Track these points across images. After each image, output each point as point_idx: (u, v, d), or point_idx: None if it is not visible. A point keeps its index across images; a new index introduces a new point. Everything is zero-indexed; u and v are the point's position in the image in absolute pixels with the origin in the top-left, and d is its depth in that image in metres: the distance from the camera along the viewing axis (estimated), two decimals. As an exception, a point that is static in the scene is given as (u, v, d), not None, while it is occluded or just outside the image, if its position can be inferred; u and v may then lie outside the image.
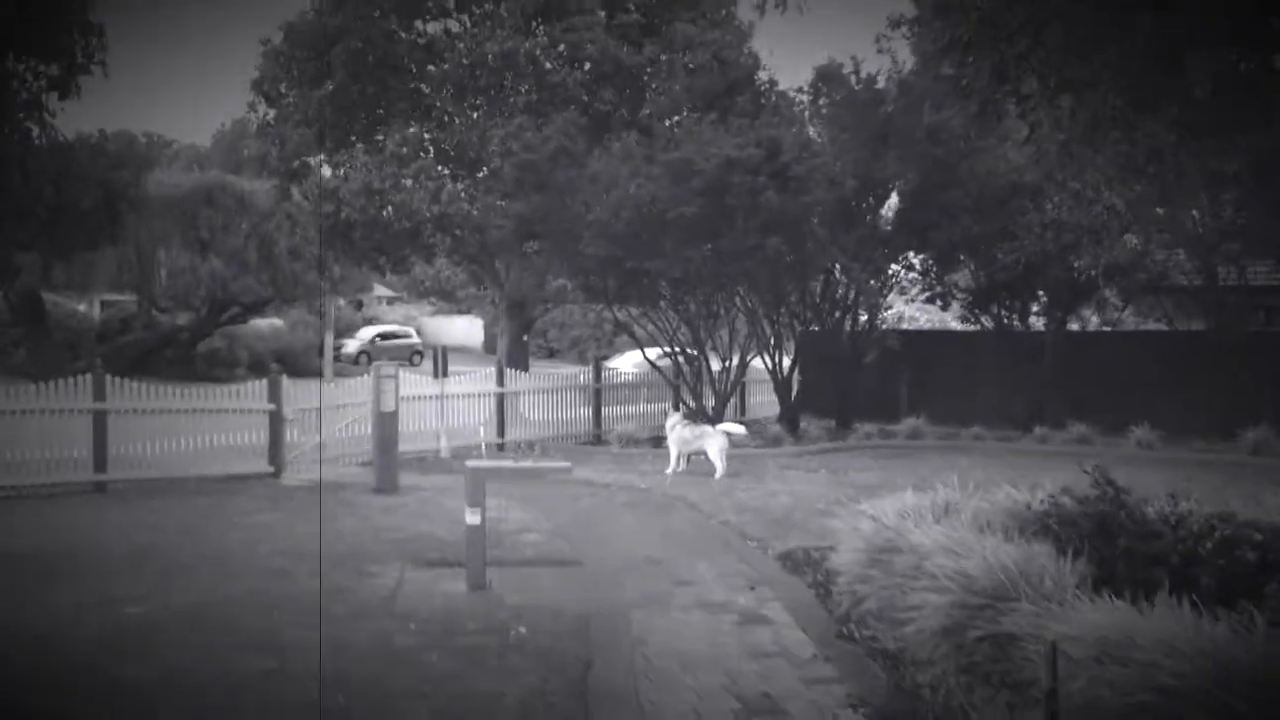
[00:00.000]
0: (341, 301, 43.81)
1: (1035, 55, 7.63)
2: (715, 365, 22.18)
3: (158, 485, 15.05)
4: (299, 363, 37.81)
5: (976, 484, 9.98)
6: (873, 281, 22.02)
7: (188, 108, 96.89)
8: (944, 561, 6.98)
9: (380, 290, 55.93)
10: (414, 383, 19.56)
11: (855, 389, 22.76)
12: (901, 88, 18.88)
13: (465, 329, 54.90)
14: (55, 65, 15.65)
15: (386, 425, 15.47)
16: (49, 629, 8.02)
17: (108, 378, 15.13)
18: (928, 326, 29.73)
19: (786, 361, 22.89)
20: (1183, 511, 7.53)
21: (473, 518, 9.39)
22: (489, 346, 52.12)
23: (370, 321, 53.27)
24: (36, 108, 16.02)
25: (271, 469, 16.59)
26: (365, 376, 19.96)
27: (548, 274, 21.71)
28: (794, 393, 22.66)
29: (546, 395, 21.84)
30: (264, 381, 17.26)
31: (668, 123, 21.16)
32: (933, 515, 8.54)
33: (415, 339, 50.93)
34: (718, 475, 16.33)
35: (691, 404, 21.58)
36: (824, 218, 20.16)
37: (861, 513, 9.14)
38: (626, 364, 30.15)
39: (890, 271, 22.82)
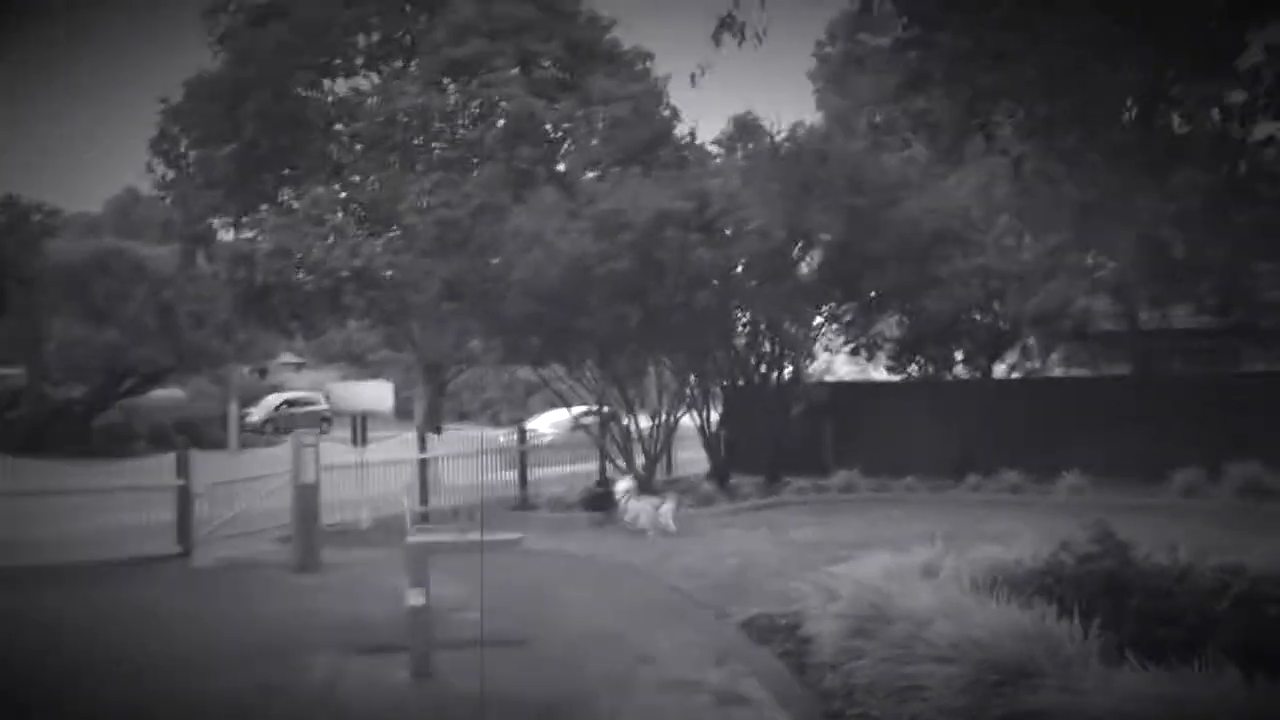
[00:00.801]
0: (245, 369, 42.25)
1: (1008, 91, 7.31)
2: (644, 423, 21.60)
3: (56, 573, 13.84)
4: (202, 434, 36.22)
5: (944, 539, 9.55)
6: (798, 333, 21.81)
7: (75, 174, 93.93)
8: (945, 629, 6.47)
9: (285, 356, 54.35)
10: (332, 451, 18.59)
11: (783, 443, 22.35)
12: (838, 129, 18.70)
13: (374, 394, 53.57)
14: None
15: (307, 498, 14.54)
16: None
17: (-3, 457, 13.98)
18: (849, 378, 29.59)
19: (714, 417, 22.48)
20: (1184, 564, 7.15)
21: (416, 598, 8.62)
22: (400, 410, 50.87)
23: (276, 389, 51.63)
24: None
25: (180, 549, 15.49)
26: (278, 447, 18.98)
27: (466, 334, 20.94)
28: (722, 449, 22.21)
29: (470, 460, 21.00)
30: (170, 455, 16.20)
31: (588, 176, 20.71)
32: (916, 576, 8.07)
33: (323, 405, 49.45)
34: (649, 534, 16.10)
35: (621, 464, 20.94)
36: (751, 270, 19.88)
37: (833, 574, 8.62)
38: (544, 425, 29.46)
39: (816, 323, 22.64)
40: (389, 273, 20.87)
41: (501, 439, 22.85)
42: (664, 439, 21.15)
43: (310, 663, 9.03)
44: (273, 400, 48.71)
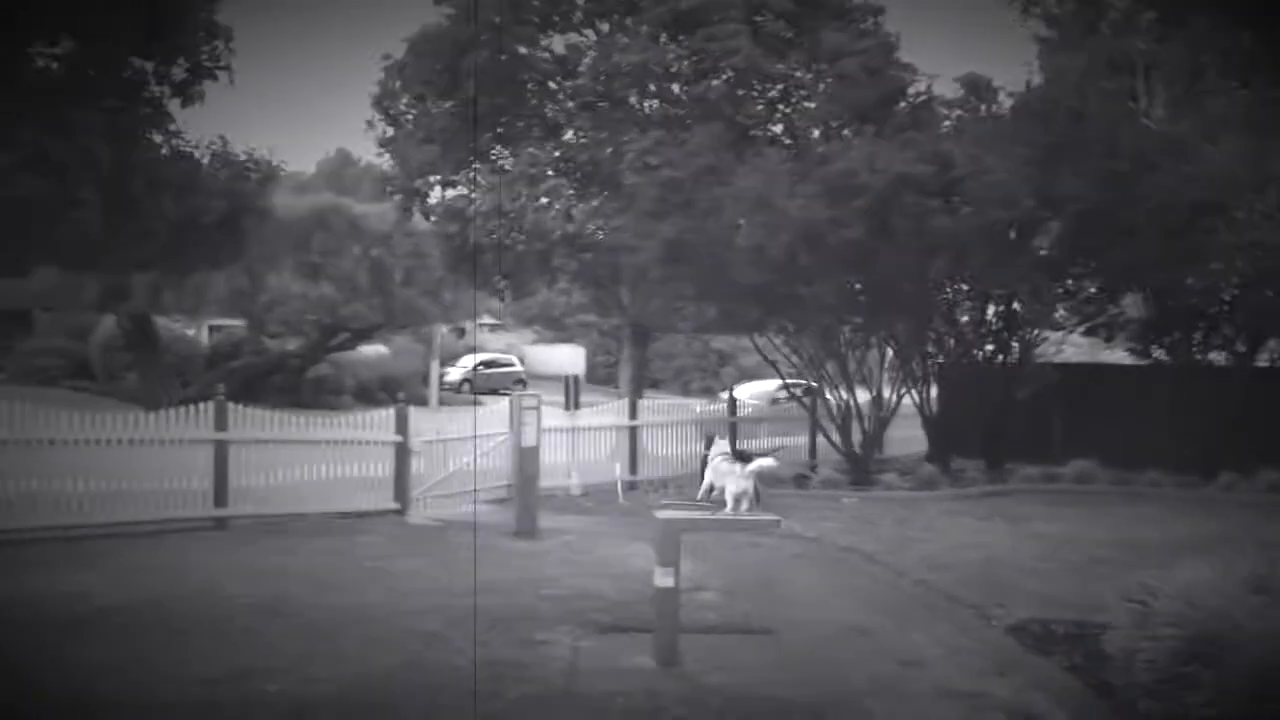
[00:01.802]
0: (445, 328, 42.86)
1: None
2: (861, 399, 20.52)
3: (279, 522, 13.86)
4: (405, 390, 36.94)
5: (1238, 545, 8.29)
6: (1031, 309, 20.34)
7: (291, 135, 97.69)
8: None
9: (483, 317, 55.18)
10: (543, 414, 18.24)
11: (1008, 428, 20.87)
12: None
13: (568, 357, 53.77)
14: (179, 69, 14.70)
15: (528, 461, 14.16)
16: (179, 711, 6.76)
17: (229, 405, 14.05)
18: (1076, 360, 27.67)
19: (934, 395, 21.21)
20: None
21: (664, 579, 7.93)
22: (592, 376, 50.90)
23: (473, 349, 52.44)
24: (160, 115, 15.07)
25: (397, 505, 15.40)
26: (484, 407, 18.70)
27: (680, 300, 20.24)
28: (944, 430, 20.94)
29: (679, 429, 20.38)
30: (390, 411, 16.08)
31: (815, 135, 19.68)
32: (1247, 593, 6.90)
33: (518, 367, 49.95)
34: (726, 510, 14.47)
35: (836, 439, 19.97)
36: (989, 240, 18.48)
37: (1145, 584, 7.51)
38: (743, 395, 28.67)
39: (1050, 300, 21.04)
40: (601, 235, 20.41)
41: (698, 409, 22.18)
42: (889, 415, 20.01)
43: (548, 638, 8.48)
44: (469, 360, 49.43)
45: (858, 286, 18.28)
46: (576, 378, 19.36)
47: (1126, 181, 17.39)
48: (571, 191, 21.28)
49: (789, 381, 22.05)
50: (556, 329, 52.06)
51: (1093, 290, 20.65)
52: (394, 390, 36.05)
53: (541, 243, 19.79)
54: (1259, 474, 18.15)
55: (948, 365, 21.58)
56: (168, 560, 11.39)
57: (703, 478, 17.06)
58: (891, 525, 14.81)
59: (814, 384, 20.93)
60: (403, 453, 15.56)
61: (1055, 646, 8.42)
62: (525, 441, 14.21)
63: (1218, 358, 20.70)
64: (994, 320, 21.05)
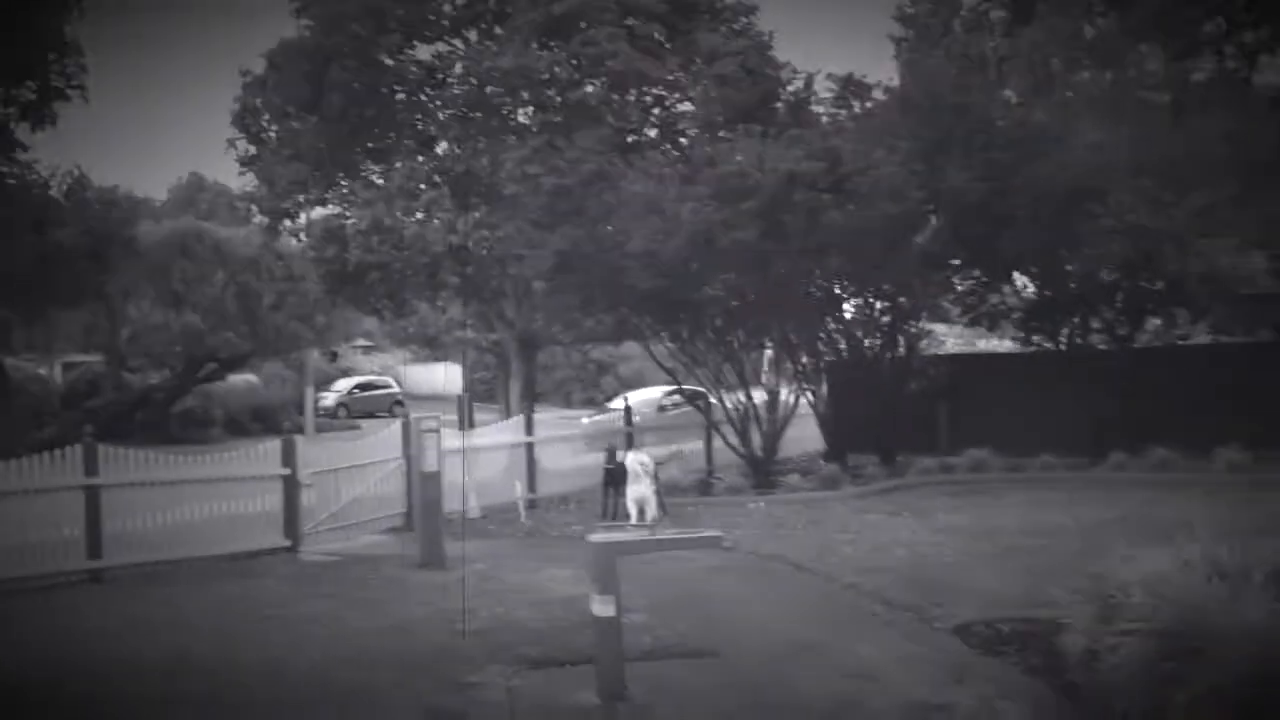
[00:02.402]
0: (317, 353, 41.46)
1: None
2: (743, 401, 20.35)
3: (162, 570, 12.85)
4: (277, 419, 35.56)
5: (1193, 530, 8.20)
6: (915, 303, 20.50)
7: (140, 161, 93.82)
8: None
9: (356, 340, 53.68)
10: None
11: (897, 421, 20.92)
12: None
13: (445, 376, 52.68)
14: (28, 90, 13.49)
15: (430, 488, 13.41)
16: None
17: (99, 448, 12.97)
18: (957, 349, 28.10)
19: (826, 393, 21.20)
20: None
21: (604, 607, 7.44)
22: (470, 393, 49.91)
23: (347, 373, 50.93)
24: (7, 142, 13.83)
25: (287, 542, 14.47)
26: (383, 431, 17.89)
27: (569, 310, 19.73)
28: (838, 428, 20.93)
29: (578, 443, 19.90)
30: (276, 443, 15.16)
31: (694, 134, 19.41)
32: (1206, 580, 6.75)
33: (395, 389, 48.74)
34: (633, 520, 14.32)
35: (735, 442, 19.76)
36: (874, 236, 18.48)
37: (1098, 576, 7.32)
38: (634, 403, 28.39)
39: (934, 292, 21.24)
40: (485, 250, 19.81)
41: (585, 420, 21.84)
42: (783, 417, 19.87)
43: (478, 680, 7.89)
44: (344, 384, 48.08)
45: (749, 288, 18.03)
46: (470, 397, 18.73)
47: (1006, 172, 17.58)
48: (453, 206, 20.58)
49: (682, 387, 21.80)
50: (434, 347, 50.86)
51: (974, 280, 20.86)
52: (267, 420, 34.69)
53: (425, 257, 19.06)
54: (1148, 452, 18.52)
55: (838, 362, 21.59)
56: (47, 621, 10.38)
57: (604, 492, 16.63)
58: (805, 528, 14.56)
59: (707, 388, 20.72)
60: (291, 486, 14.66)
61: (1004, 647, 8.21)
62: (426, 466, 13.47)
63: (1099, 341, 21.08)
64: (880, 315, 21.11)
